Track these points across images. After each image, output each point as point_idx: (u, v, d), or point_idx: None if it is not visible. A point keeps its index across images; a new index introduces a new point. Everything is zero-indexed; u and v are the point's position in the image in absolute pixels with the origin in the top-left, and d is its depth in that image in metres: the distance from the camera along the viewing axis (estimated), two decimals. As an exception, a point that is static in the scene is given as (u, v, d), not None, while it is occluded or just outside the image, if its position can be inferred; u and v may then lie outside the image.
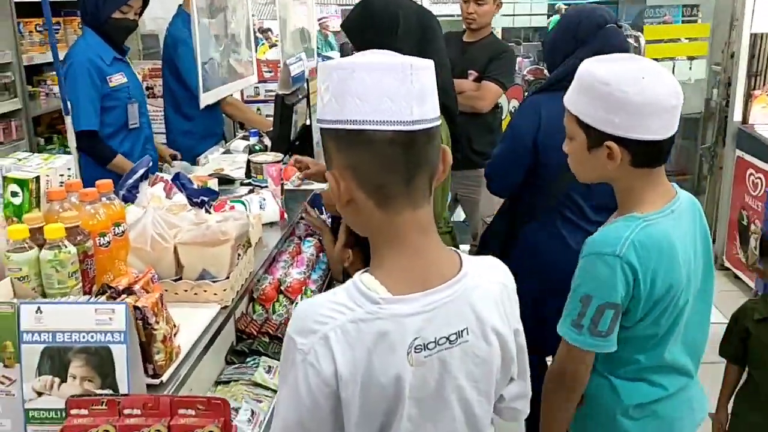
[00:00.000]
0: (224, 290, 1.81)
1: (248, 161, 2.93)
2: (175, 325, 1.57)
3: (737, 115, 4.63)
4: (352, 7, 2.30)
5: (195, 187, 1.94)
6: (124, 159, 3.11)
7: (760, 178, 4.29)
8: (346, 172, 1.08)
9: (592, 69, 1.46)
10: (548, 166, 2.20)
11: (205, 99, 3.15)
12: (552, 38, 2.44)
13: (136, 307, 1.43)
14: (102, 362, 1.23)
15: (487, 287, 1.16)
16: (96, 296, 1.49)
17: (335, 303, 1.07)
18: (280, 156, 2.70)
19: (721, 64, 4.95)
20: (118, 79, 3.22)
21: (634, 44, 5.30)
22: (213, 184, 2.67)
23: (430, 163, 1.10)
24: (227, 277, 1.82)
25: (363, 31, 2.15)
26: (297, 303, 2.20)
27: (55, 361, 1.24)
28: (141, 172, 1.84)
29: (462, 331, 1.11)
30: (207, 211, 1.84)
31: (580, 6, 2.84)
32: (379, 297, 1.06)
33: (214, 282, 1.81)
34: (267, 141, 3.16)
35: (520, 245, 2.35)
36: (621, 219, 1.52)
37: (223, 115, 4.02)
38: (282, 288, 2.20)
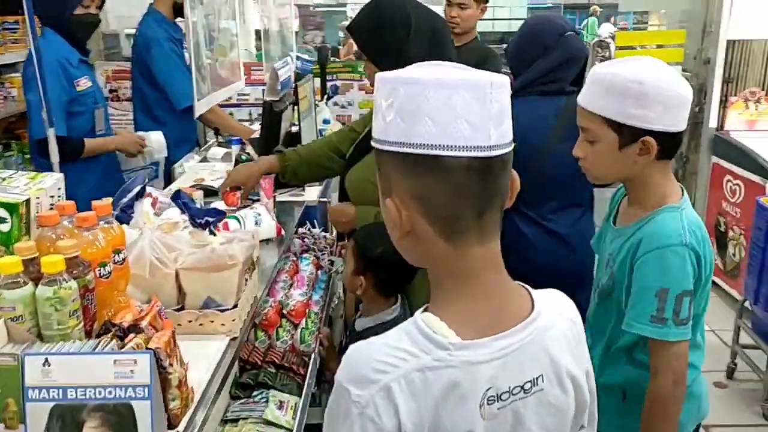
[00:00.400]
0: (233, 320, 1.65)
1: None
2: (184, 363, 1.41)
3: (713, 122, 4.64)
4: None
5: (198, 206, 1.77)
6: (95, 140, 2.94)
7: (738, 185, 4.30)
8: (412, 201, 0.95)
9: (617, 71, 1.50)
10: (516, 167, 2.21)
11: (199, 107, 2.95)
12: (516, 46, 2.57)
13: (148, 349, 1.27)
14: (122, 421, 1.07)
15: (560, 327, 1.05)
16: (99, 336, 1.32)
17: (396, 348, 0.94)
18: (271, 166, 2.54)
19: (692, 71, 4.96)
20: (85, 83, 3.03)
21: (605, 54, 5.32)
22: (198, 196, 2.50)
23: (503, 193, 0.98)
24: (235, 305, 1.67)
25: (373, 32, 2.03)
26: (301, 327, 2.06)
27: (67, 422, 1.06)
28: (136, 190, 1.67)
29: (537, 378, 1.00)
30: (212, 233, 1.67)
31: (539, 15, 3.05)
32: (449, 342, 0.93)
33: (221, 311, 1.65)
34: (250, 150, 2.98)
35: None
36: (662, 211, 1.55)
37: (197, 120, 3.83)
38: (284, 311, 2.06)
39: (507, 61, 2.87)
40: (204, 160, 3.51)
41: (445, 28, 2.11)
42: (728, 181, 4.41)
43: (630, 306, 1.54)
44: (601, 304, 1.67)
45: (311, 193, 2.84)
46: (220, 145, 3.87)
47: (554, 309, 1.06)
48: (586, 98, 1.55)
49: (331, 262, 2.57)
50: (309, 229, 2.70)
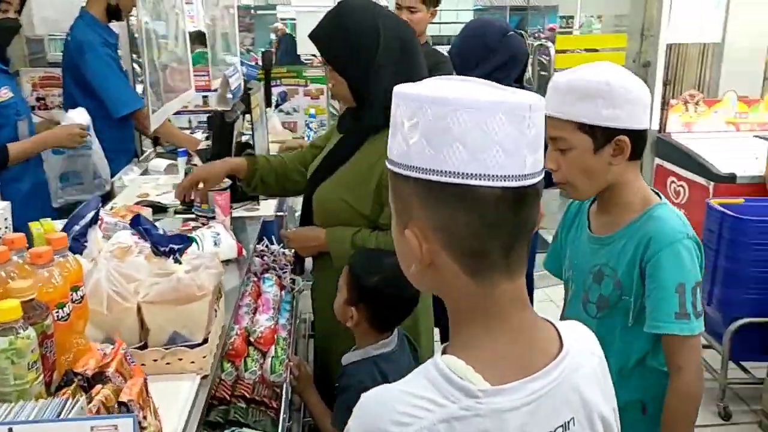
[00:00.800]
0: (203, 357, 1.50)
1: (183, 186, 2.58)
2: (158, 414, 1.26)
3: (654, 124, 4.71)
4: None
5: (161, 232, 1.61)
6: (20, 144, 2.70)
7: (682, 186, 4.38)
8: (435, 232, 0.85)
9: (582, 76, 1.50)
10: None
11: (155, 120, 2.75)
12: (461, 47, 2.68)
13: (120, 403, 1.12)
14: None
15: (590, 364, 0.97)
16: (60, 388, 1.17)
17: (417, 396, 0.84)
18: (226, 181, 2.38)
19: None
20: (5, 94, 2.79)
21: (545, 57, 5.35)
22: (147, 215, 2.31)
23: (533, 225, 0.89)
24: (205, 340, 1.52)
25: (338, 40, 1.91)
26: (270, 356, 1.92)
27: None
28: (90, 216, 1.50)
29: (568, 422, 0.92)
30: (177, 261, 1.52)
31: (481, 18, 3.07)
32: (478, 389, 0.84)
33: (189, 347, 1.50)
34: (197, 161, 2.80)
35: None
36: (657, 208, 1.56)
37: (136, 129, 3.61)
38: (252, 339, 1.91)
39: (452, 62, 2.91)
40: (145, 172, 3.30)
41: (414, 37, 2.01)
42: (672, 182, 4.49)
43: (652, 308, 1.52)
44: (600, 318, 1.62)
45: (267, 207, 2.69)
46: (160, 155, 3.66)
47: (582, 344, 0.98)
48: (554, 107, 1.52)
49: (293, 281, 2.43)
50: (267, 246, 2.55)
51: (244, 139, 2.93)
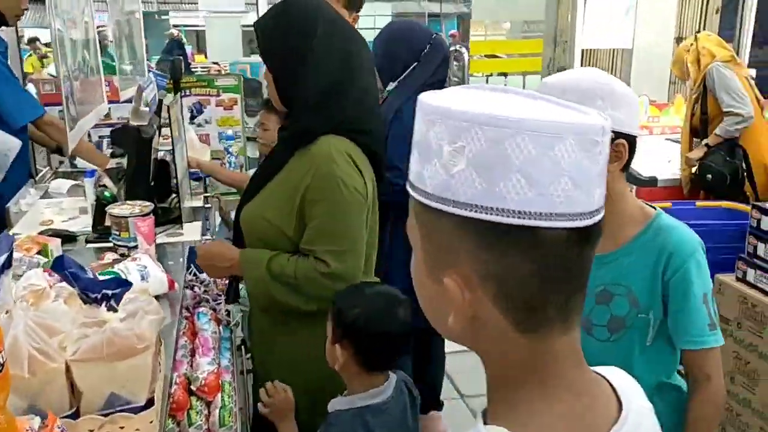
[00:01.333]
0: (150, 422, 1.26)
1: (97, 212, 2.30)
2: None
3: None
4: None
5: (91, 276, 1.35)
6: None
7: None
8: (484, 281, 0.68)
9: (581, 77, 1.43)
10: None
11: (73, 138, 2.42)
12: (387, 52, 2.64)
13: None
14: None
15: (648, 422, 0.84)
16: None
17: None
18: (148, 205, 2.12)
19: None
20: None
21: (457, 62, 5.29)
22: (56, 247, 2.02)
23: (590, 269, 0.75)
24: (150, 401, 1.28)
25: (268, 32, 1.78)
26: (217, 406, 1.68)
27: None
28: (1, 259, 1.23)
29: None
30: (112, 309, 1.28)
31: (399, 22, 3.08)
32: None
33: (132, 411, 1.26)
34: (108, 182, 2.51)
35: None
36: (661, 218, 1.51)
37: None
38: (193, 388, 1.67)
39: (377, 66, 2.86)
40: (45, 195, 2.94)
41: (365, 50, 1.85)
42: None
43: (686, 323, 1.47)
44: (615, 341, 1.53)
45: (192, 231, 2.44)
46: (59, 175, 3.30)
47: (636, 399, 0.85)
48: None
49: (228, 313, 2.19)
50: (195, 275, 2.30)
51: (159, 156, 2.67)
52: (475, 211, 0.66)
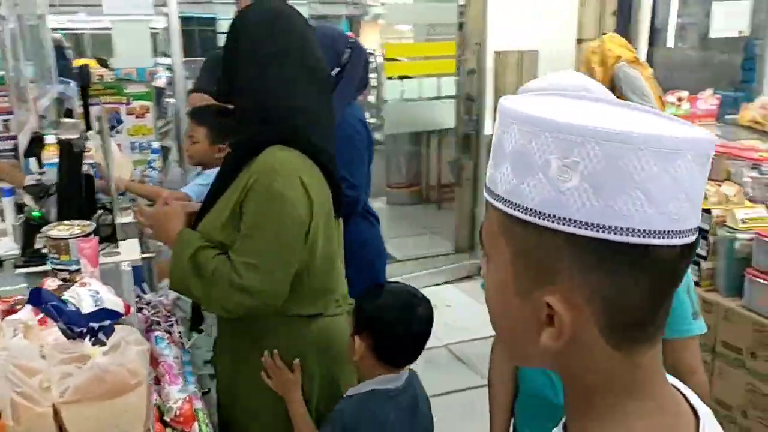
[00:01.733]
0: (150, 462, 1.17)
1: (26, 234, 2.11)
2: None
3: (488, 129, 4.85)
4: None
5: (74, 308, 1.22)
6: None
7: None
8: (591, 301, 0.66)
9: (560, 80, 1.42)
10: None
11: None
12: None
13: None
14: None
15: (715, 426, 0.85)
16: None
17: None
18: (88, 224, 1.97)
19: (461, 81, 5.13)
20: None
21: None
22: (-12, 274, 1.84)
23: None
24: (147, 440, 1.18)
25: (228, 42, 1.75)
26: (195, 436, 1.58)
27: None
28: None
29: None
30: (100, 344, 1.16)
31: (322, 26, 3.13)
32: None
33: (129, 452, 1.15)
34: (28, 200, 2.30)
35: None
36: None
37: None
38: (167, 419, 1.56)
39: None
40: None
41: (321, 68, 1.80)
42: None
43: (674, 314, 1.47)
44: None
45: (130, 250, 2.28)
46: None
47: (701, 407, 0.86)
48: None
49: (181, 335, 2.06)
50: (139, 297, 2.15)
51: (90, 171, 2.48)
52: (589, 229, 0.63)
